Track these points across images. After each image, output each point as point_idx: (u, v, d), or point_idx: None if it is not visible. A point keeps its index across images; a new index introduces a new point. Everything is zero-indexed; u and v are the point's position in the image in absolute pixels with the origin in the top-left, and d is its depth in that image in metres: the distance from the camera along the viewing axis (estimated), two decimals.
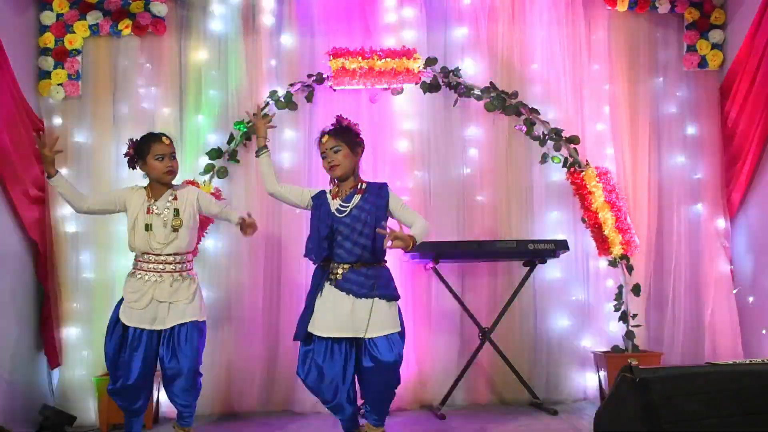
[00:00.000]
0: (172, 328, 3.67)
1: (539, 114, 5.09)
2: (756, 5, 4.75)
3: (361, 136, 3.75)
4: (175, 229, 3.72)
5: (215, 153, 4.98)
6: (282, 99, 5.06)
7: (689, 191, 5.19)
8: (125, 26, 5.01)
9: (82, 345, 4.84)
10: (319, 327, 3.48)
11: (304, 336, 3.52)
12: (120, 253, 4.87)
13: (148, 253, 3.72)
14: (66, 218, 4.92)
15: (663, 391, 2.41)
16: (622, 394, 2.50)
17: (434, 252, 4.69)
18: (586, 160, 5.05)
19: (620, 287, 4.95)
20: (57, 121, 4.99)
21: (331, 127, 3.69)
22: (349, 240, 3.49)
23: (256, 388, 4.92)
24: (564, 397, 4.95)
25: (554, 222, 5.13)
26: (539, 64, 5.23)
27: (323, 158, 3.68)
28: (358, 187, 3.65)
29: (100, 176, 4.96)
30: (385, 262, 3.64)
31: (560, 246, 4.75)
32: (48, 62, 4.99)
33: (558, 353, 5.05)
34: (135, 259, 3.79)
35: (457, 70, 5.12)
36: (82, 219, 4.93)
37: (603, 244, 4.89)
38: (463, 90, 5.12)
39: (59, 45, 5.01)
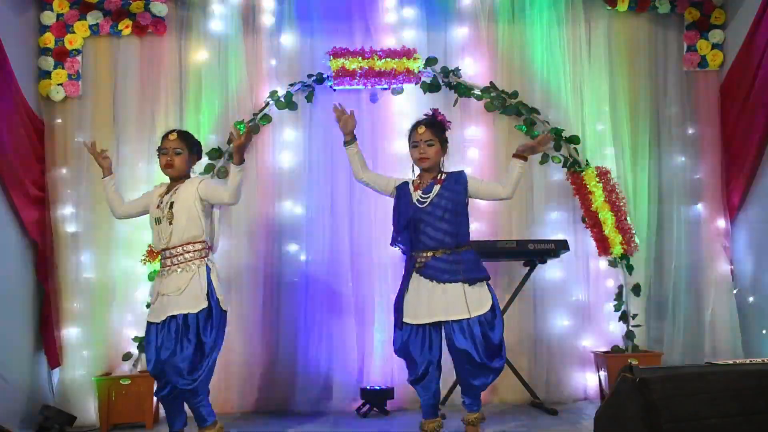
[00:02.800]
0: (172, 317, 3.61)
1: (539, 114, 5.09)
2: (756, 5, 4.75)
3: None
4: (170, 222, 3.70)
5: (215, 153, 4.98)
6: (282, 99, 5.07)
7: (689, 191, 5.18)
8: (125, 26, 5.01)
9: (82, 345, 4.84)
10: (408, 314, 3.68)
11: (401, 323, 3.70)
12: (120, 253, 4.89)
13: (163, 249, 3.75)
14: (66, 218, 4.92)
15: (663, 391, 2.40)
16: (622, 394, 2.50)
17: None
18: (586, 160, 5.06)
19: (620, 287, 4.95)
20: (57, 121, 4.99)
21: (427, 118, 3.80)
22: (431, 227, 3.65)
23: (255, 388, 4.92)
24: (564, 397, 4.95)
25: (554, 222, 5.13)
26: (539, 64, 5.23)
27: (413, 147, 3.78)
28: (438, 177, 3.77)
29: (100, 176, 4.92)
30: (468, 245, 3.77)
31: (560, 246, 4.75)
32: (48, 62, 4.99)
33: (558, 353, 5.05)
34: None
35: (457, 70, 5.13)
36: (83, 219, 4.93)
37: (603, 244, 4.89)
38: (463, 90, 5.12)
39: (59, 45, 5.01)
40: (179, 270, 3.68)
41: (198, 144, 3.97)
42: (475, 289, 3.65)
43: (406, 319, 3.68)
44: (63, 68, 4.99)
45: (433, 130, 3.75)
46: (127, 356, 4.71)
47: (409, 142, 3.84)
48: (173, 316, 3.61)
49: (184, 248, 3.71)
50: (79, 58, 5.03)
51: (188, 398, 3.66)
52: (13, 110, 4.52)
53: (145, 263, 4.66)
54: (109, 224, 4.90)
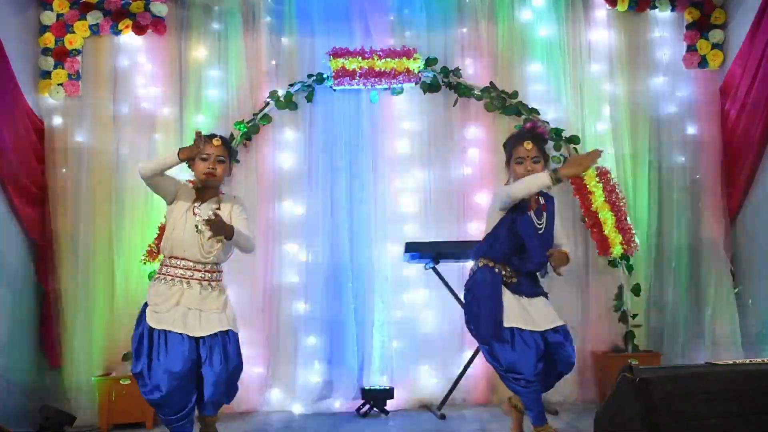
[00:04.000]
0: (212, 336, 3.43)
1: (539, 114, 5.09)
2: (756, 5, 4.75)
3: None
4: (218, 241, 3.48)
5: None
6: (282, 99, 5.07)
7: (689, 191, 5.18)
8: (125, 26, 5.00)
9: (82, 345, 4.83)
10: (520, 321, 3.48)
11: (498, 332, 3.47)
12: (120, 253, 4.88)
13: (176, 258, 3.49)
14: (66, 218, 4.91)
15: (663, 391, 2.40)
16: (622, 394, 2.50)
17: (434, 252, 4.69)
18: None
19: (620, 287, 4.95)
20: (57, 121, 4.99)
21: (531, 133, 3.59)
22: (538, 254, 3.51)
23: (255, 388, 4.92)
24: (564, 397, 4.95)
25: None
26: (539, 64, 5.23)
27: (519, 163, 3.54)
28: (541, 202, 3.58)
29: (100, 176, 4.95)
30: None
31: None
32: (48, 62, 4.99)
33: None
34: (161, 264, 3.56)
35: (457, 70, 5.13)
36: (83, 219, 4.92)
37: (603, 244, 4.89)
38: (463, 90, 5.13)
39: (59, 45, 5.00)
40: (210, 288, 3.51)
41: (234, 153, 3.74)
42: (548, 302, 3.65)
43: (521, 325, 3.47)
44: (63, 68, 4.99)
45: (539, 145, 3.56)
46: (127, 356, 4.70)
47: (510, 157, 3.59)
48: (220, 333, 3.45)
49: (217, 267, 3.58)
50: (79, 58, 5.03)
51: (210, 411, 3.52)
52: (13, 110, 4.52)
53: (145, 263, 4.66)
54: (109, 224, 4.91)
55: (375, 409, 4.72)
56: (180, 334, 3.41)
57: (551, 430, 3.54)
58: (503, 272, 3.55)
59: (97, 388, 4.56)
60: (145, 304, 3.53)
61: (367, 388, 4.81)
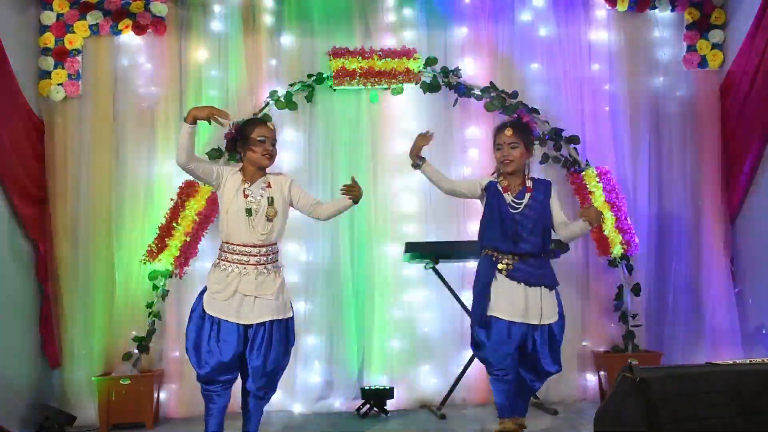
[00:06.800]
0: (260, 324, 3.47)
1: (539, 114, 5.09)
2: (756, 5, 4.75)
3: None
4: (270, 219, 3.52)
5: (215, 153, 4.97)
6: (282, 99, 5.06)
7: (689, 191, 5.18)
8: (125, 26, 5.00)
9: (82, 345, 4.83)
10: (499, 310, 3.60)
11: (484, 321, 3.64)
12: (120, 253, 4.88)
13: (231, 243, 3.50)
14: (66, 218, 4.91)
15: (663, 391, 2.40)
16: (622, 394, 2.50)
17: (434, 252, 4.69)
18: (586, 160, 5.06)
19: (620, 287, 4.95)
20: (57, 121, 4.98)
21: (513, 121, 3.84)
22: (520, 236, 3.64)
23: None
24: (564, 397, 4.95)
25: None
26: (539, 64, 5.23)
27: (498, 149, 3.73)
28: (527, 185, 3.72)
29: (100, 176, 4.95)
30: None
31: (560, 246, 4.73)
32: (48, 62, 4.99)
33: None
34: (220, 249, 3.57)
35: (457, 70, 5.13)
36: (83, 218, 4.91)
37: (603, 244, 4.89)
38: (463, 90, 5.13)
39: (59, 45, 5.00)
40: (266, 271, 3.53)
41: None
42: (551, 295, 3.68)
43: (501, 315, 3.60)
44: (63, 68, 4.99)
45: (517, 133, 3.69)
46: (127, 356, 4.70)
47: (494, 144, 3.78)
48: (268, 322, 3.49)
49: (273, 248, 3.60)
50: (79, 58, 5.02)
51: (257, 402, 3.61)
52: (13, 110, 4.52)
53: (145, 263, 4.66)
54: (109, 224, 4.90)
55: (375, 409, 4.72)
56: (233, 323, 3.46)
57: (509, 426, 3.64)
58: (500, 259, 3.65)
59: (97, 388, 4.55)
60: (204, 289, 3.56)
61: (367, 388, 4.81)
